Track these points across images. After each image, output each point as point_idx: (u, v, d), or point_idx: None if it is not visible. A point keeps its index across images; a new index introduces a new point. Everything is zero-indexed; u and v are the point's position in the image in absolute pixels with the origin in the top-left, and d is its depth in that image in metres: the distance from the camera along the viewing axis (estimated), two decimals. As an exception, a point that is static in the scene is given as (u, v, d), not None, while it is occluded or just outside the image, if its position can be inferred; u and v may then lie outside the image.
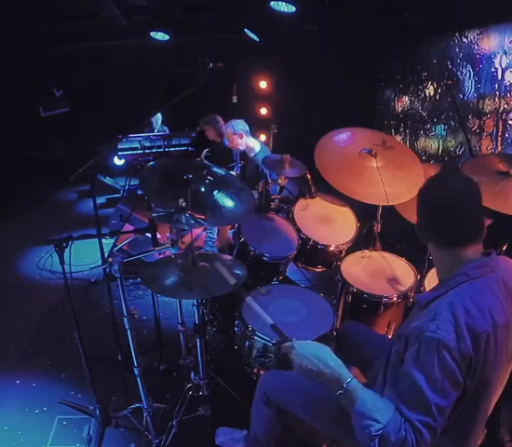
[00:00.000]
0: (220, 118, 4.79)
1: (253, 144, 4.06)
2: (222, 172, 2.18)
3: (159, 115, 5.85)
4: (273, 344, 2.09)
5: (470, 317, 1.22)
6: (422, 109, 4.94)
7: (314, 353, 1.39)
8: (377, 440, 1.20)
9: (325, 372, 1.35)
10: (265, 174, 3.88)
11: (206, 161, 4.03)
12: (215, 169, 2.14)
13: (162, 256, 2.40)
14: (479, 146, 3.92)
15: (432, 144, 4.79)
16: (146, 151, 5.12)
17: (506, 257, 1.47)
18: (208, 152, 4.31)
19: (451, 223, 1.33)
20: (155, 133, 5.64)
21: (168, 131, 5.87)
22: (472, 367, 1.22)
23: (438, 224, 1.36)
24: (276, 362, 2.11)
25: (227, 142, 4.25)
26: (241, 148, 4.10)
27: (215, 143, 4.93)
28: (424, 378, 1.20)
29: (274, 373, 1.96)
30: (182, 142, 5.47)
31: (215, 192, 2.16)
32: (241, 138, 4.01)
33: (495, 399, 1.38)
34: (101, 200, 6.00)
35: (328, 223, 2.97)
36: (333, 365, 1.35)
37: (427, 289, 2.38)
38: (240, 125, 4.01)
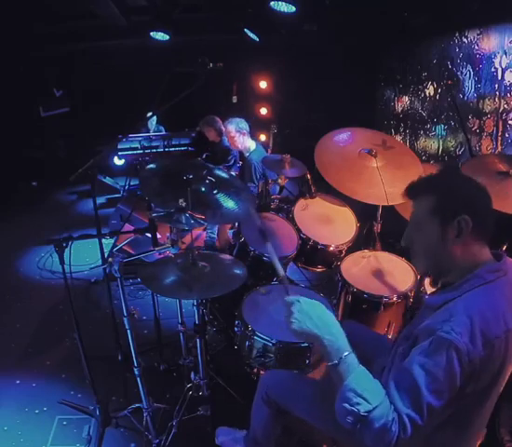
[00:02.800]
0: (218, 119, 4.80)
1: (249, 144, 4.10)
2: (222, 172, 2.18)
3: (154, 118, 5.86)
4: (273, 343, 2.09)
5: (485, 321, 1.20)
6: (422, 109, 4.94)
7: (319, 314, 1.32)
8: (361, 421, 1.17)
9: (325, 337, 1.28)
10: (260, 174, 3.89)
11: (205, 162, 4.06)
12: (215, 170, 2.14)
13: (162, 256, 2.39)
14: (479, 146, 3.92)
15: (432, 144, 4.79)
16: (146, 151, 5.12)
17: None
18: (208, 153, 4.32)
19: (491, 220, 1.34)
20: (155, 133, 5.64)
21: (163, 131, 5.88)
22: (476, 372, 1.20)
23: (479, 212, 1.32)
24: (276, 362, 2.12)
25: (227, 140, 4.27)
26: (240, 147, 4.12)
27: (214, 144, 4.94)
28: (425, 376, 1.17)
29: (275, 373, 1.96)
30: (182, 142, 5.47)
31: (215, 192, 2.16)
32: (243, 136, 4.02)
33: (496, 398, 1.38)
34: (101, 200, 6.00)
35: (328, 223, 2.97)
36: (336, 333, 1.30)
37: (427, 289, 2.38)
38: (242, 123, 4.03)
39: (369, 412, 1.16)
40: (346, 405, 1.19)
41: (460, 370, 1.17)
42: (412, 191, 1.41)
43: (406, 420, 1.15)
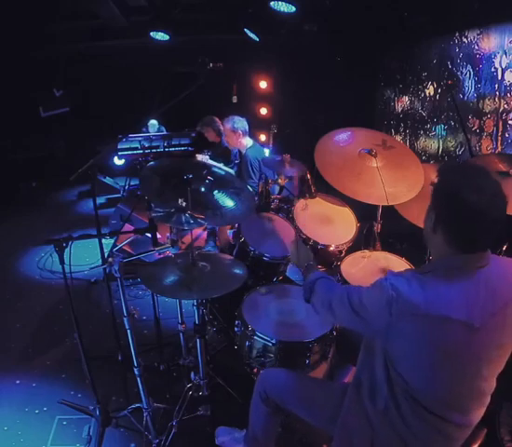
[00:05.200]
0: (217, 119, 4.81)
1: (246, 142, 4.13)
2: (223, 172, 2.18)
3: (155, 123, 5.87)
4: (273, 343, 2.08)
5: (421, 297, 1.28)
6: (422, 109, 4.94)
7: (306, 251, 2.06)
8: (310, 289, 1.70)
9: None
10: (258, 170, 3.90)
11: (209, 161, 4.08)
12: (215, 170, 2.14)
13: (162, 256, 2.39)
14: (479, 146, 3.92)
15: (432, 144, 4.79)
16: (146, 151, 5.12)
17: (507, 257, 1.46)
18: (208, 153, 4.32)
19: (473, 229, 1.29)
20: (155, 133, 5.64)
21: (165, 131, 5.88)
22: (399, 327, 1.30)
23: (460, 227, 1.30)
24: (276, 362, 2.11)
25: (224, 138, 4.28)
26: (236, 145, 4.15)
27: (214, 144, 4.94)
28: (363, 289, 1.45)
29: (273, 371, 1.96)
30: (182, 142, 5.47)
31: (215, 192, 2.16)
32: (239, 135, 4.03)
33: (473, 393, 1.37)
34: (101, 200, 6.00)
35: (328, 223, 2.97)
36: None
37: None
38: (242, 122, 4.04)
39: (314, 280, 1.72)
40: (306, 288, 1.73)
41: (377, 308, 1.33)
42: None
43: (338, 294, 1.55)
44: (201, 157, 4.10)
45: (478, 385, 1.37)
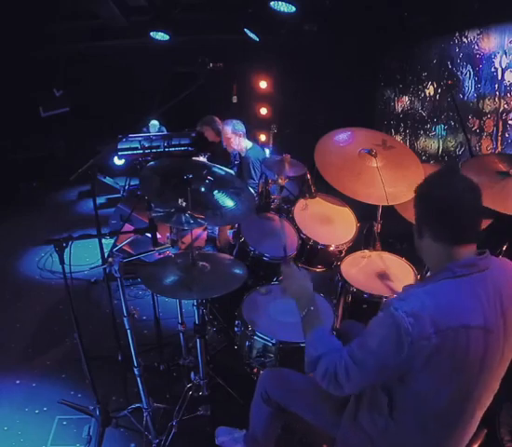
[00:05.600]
0: (217, 118, 4.81)
1: (245, 144, 4.15)
2: (223, 172, 2.18)
3: (156, 123, 5.87)
4: (273, 343, 2.08)
5: (438, 310, 1.24)
6: (422, 109, 4.94)
7: (301, 283, 1.72)
8: (312, 364, 1.45)
9: (302, 295, 1.67)
10: (259, 171, 3.90)
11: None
12: (215, 169, 2.14)
13: (162, 256, 2.40)
14: (479, 146, 3.92)
15: (432, 144, 4.79)
16: (146, 151, 5.11)
17: (506, 259, 1.46)
18: (208, 154, 4.33)
19: (452, 222, 1.33)
20: (155, 133, 5.64)
21: (165, 131, 5.88)
22: (423, 357, 1.23)
23: (439, 222, 1.35)
24: (276, 362, 2.12)
25: (224, 142, 4.29)
26: (236, 148, 4.15)
27: (214, 144, 4.94)
28: (374, 334, 1.32)
29: (274, 371, 1.96)
30: (182, 142, 5.47)
31: (215, 192, 2.16)
32: (239, 137, 4.05)
33: (475, 408, 1.36)
34: (101, 200, 6.00)
35: (328, 223, 2.97)
36: (308, 294, 1.67)
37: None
38: (239, 125, 4.06)
39: (318, 357, 1.43)
40: (306, 351, 1.51)
41: (396, 348, 1.23)
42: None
43: (340, 366, 1.35)
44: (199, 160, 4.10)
45: (492, 386, 1.36)
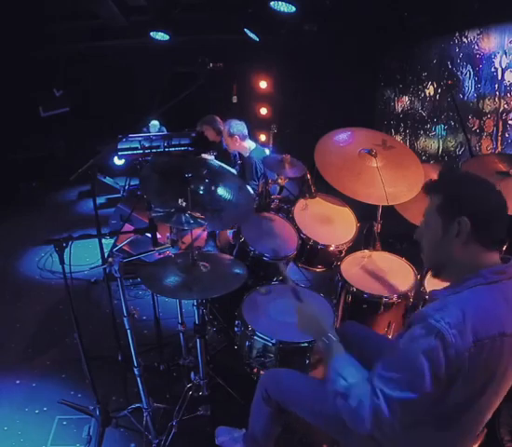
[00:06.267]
0: (217, 118, 4.80)
1: (248, 145, 4.10)
2: (224, 170, 2.19)
3: (157, 123, 5.87)
4: (273, 343, 2.08)
5: (478, 319, 1.20)
6: (422, 109, 4.95)
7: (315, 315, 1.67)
8: (340, 397, 1.30)
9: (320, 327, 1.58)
10: (261, 172, 3.89)
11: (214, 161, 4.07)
12: (215, 170, 2.14)
13: (162, 256, 2.40)
14: (479, 146, 3.92)
15: (432, 144, 4.79)
16: (146, 151, 5.11)
17: None
18: (214, 153, 4.31)
19: (497, 226, 1.32)
20: (155, 133, 5.64)
21: (165, 131, 5.88)
22: (465, 368, 1.19)
23: (487, 223, 1.31)
24: (276, 362, 2.11)
25: (224, 141, 4.28)
26: (236, 149, 4.14)
27: (215, 144, 4.94)
28: (409, 362, 1.20)
29: (275, 372, 1.96)
30: (182, 142, 5.47)
31: (214, 189, 2.16)
32: (236, 141, 4.02)
33: (493, 408, 1.36)
34: (101, 200, 5.99)
35: (328, 223, 2.97)
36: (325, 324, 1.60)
37: (427, 289, 2.38)
38: (239, 126, 4.02)
39: (346, 388, 1.30)
40: (330, 382, 1.36)
41: (445, 361, 1.17)
42: (427, 187, 1.43)
43: (377, 403, 1.21)
44: (206, 157, 4.09)
45: (505, 391, 1.36)
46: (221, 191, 2.17)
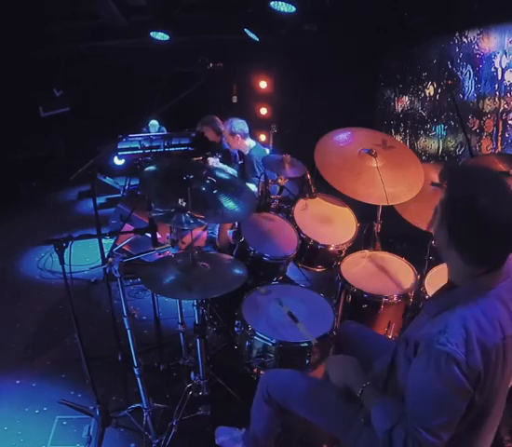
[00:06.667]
0: (217, 118, 4.81)
1: (248, 143, 4.13)
2: (227, 176, 2.19)
3: (156, 123, 5.87)
4: (273, 343, 2.09)
5: (481, 330, 1.20)
6: (422, 109, 4.94)
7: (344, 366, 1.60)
8: (386, 439, 1.29)
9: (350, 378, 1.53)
10: (261, 172, 3.90)
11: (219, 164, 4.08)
12: (219, 173, 2.15)
13: (162, 256, 2.40)
14: (479, 146, 3.92)
15: (432, 144, 4.79)
16: (146, 151, 5.12)
17: None
18: (219, 156, 4.32)
19: (499, 247, 1.22)
20: (155, 133, 5.65)
21: (165, 131, 5.89)
22: (481, 381, 1.20)
23: (485, 245, 1.21)
24: (276, 362, 2.11)
25: (225, 140, 4.28)
26: (236, 147, 4.15)
27: (215, 144, 4.94)
28: (429, 393, 1.21)
29: (276, 372, 1.96)
30: (182, 142, 5.48)
31: (215, 191, 2.16)
32: (237, 139, 4.04)
33: (502, 409, 1.38)
34: (101, 200, 5.99)
35: (328, 223, 2.97)
36: (355, 374, 1.54)
37: (427, 289, 2.38)
38: (240, 125, 4.04)
39: (388, 431, 1.29)
40: (375, 426, 1.36)
41: (465, 378, 1.17)
42: (444, 176, 1.36)
43: (421, 440, 1.21)
44: (212, 161, 4.10)
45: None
46: (222, 195, 2.17)
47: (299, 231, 2.82)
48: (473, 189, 1.19)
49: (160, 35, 5.12)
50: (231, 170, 4.14)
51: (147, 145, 5.18)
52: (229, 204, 2.17)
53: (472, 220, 1.19)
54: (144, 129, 5.75)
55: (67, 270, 1.90)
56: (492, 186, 1.20)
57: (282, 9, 4.09)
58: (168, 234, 2.35)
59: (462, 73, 4.12)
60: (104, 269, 2.09)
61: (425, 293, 2.38)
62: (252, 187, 3.55)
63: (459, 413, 1.22)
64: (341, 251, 2.85)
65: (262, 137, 5.77)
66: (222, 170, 2.37)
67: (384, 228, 2.76)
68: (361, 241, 2.85)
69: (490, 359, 1.20)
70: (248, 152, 4.14)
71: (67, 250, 1.88)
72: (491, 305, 1.25)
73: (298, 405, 1.75)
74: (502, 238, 1.19)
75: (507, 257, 1.26)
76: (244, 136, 4.08)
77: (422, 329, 1.31)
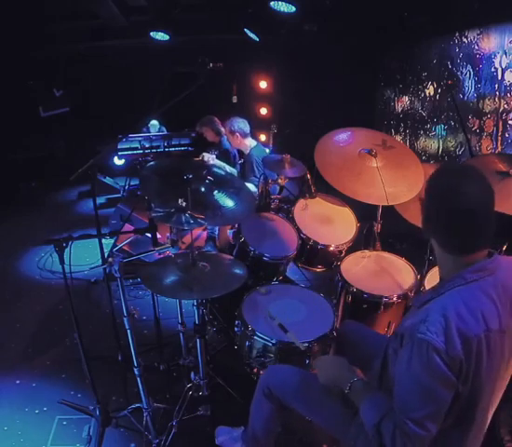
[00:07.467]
0: (216, 119, 4.81)
1: (248, 143, 4.12)
2: (223, 173, 2.19)
3: (156, 123, 5.87)
4: (273, 343, 2.09)
5: (461, 320, 1.21)
6: (422, 109, 4.95)
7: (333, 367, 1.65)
8: (375, 432, 1.32)
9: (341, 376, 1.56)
10: (262, 169, 3.91)
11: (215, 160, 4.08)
12: (216, 170, 2.15)
13: (162, 256, 2.40)
14: (479, 146, 3.92)
15: (432, 144, 4.80)
16: (146, 151, 5.12)
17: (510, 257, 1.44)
18: (215, 152, 4.31)
19: (466, 232, 1.27)
20: (155, 133, 5.65)
21: (165, 131, 5.89)
22: (463, 371, 1.21)
23: (453, 232, 1.28)
24: (276, 362, 2.11)
25: (226, 139, 4.28)
26: (237, 146, 4.15)
27: (214, 144, 4.95)
28: (413, 383, 1.23)
29: (277, 368, 1.96)
30: (182, 142, 5.48)
31: (215, 192, 2.16)
32: (236, 138, 4.04)
33: (493, 406, 1.37)
34: (101, 200, 5.99)
35: (328, 223, 2.97)
36: (345, 372, 1.56)
37: (427, 289, 2.38)
38: (240, 124, 4.04)
39: (376, 425, 1.32)
40: (363, 421, 1.39)
41: (446, 367, 1.19)
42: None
43: (409, 432, 1.23)
44: (208, 156, 4.09)
45: (503, 385, 1.37)
46: (221, 194, 2.17)
47: (299, 231, 2.82)
48: (439, 177, 1.32)
49: (160, 35, 5.12)
50: (229, 168, 4.14)
51: (147, 145, 5.18)
52: (228, 204, 2.17)
53: (438, 206, 1.28)
54: (144, 129, 5.75)
55: (67, 270, 1.90)
56: (457, 174, 1.31)
57: (282, 9, 4.09)
58: (168, 234, 2.35)
59: (462, 73, 4.12)
60: (104, 269, 2.09)
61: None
62: (251, 187, 3.55)
63: (445, 403, 1.23)
64: (341, 251, 2.85)
65: (262, 137, 5.77)
66: (220, 167, 2.37)
67: (383, 228, 2.76)
68: (361, 241, 2.85)
69: (471, 350, 1.21)
70: (248, 151, 4.14)
71: (67, 250, 1.88)
72: (474, 297, 1.26)
73: (298, 402, 1.75)
74: (468, 223, 1.25)
75: (483, 243, 1.30)
76: (243, 135, 4.07)
77: (407, 320, 1.34)
